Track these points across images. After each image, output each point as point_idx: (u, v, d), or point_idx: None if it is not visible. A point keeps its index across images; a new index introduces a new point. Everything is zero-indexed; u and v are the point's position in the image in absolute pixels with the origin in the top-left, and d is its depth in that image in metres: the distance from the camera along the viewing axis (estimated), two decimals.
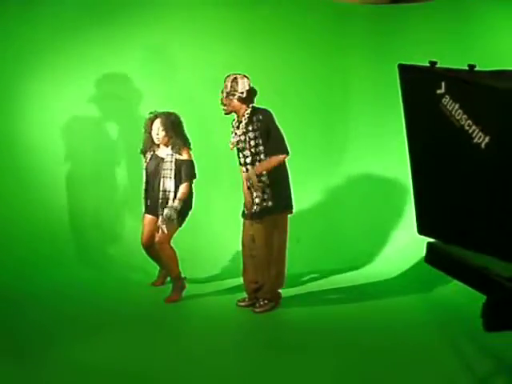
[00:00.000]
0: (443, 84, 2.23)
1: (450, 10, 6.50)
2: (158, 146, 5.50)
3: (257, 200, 4.96)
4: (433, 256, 2.36)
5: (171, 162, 5.37)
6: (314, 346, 4.31)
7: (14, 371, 3.74)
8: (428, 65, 2.37)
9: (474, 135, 2.10)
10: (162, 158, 5.43)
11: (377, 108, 7.03)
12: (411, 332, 4.58)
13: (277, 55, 6.89)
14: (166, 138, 5.42)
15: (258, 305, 5.14)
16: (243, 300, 5.30)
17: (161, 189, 5.35)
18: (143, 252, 5.69)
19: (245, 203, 5.11)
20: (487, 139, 2.04)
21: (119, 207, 6.70)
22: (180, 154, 5.38)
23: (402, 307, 5.26)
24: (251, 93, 4.95)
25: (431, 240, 2.42)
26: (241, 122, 4.97)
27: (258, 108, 4.99)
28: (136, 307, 5.19)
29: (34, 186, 6.33)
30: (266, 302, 5.14)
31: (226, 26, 6.84)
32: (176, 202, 5.30)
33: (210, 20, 6.78)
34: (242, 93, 4.89)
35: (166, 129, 5.39)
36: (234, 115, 5.08)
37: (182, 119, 5.49)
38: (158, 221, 5.37)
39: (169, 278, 5.76)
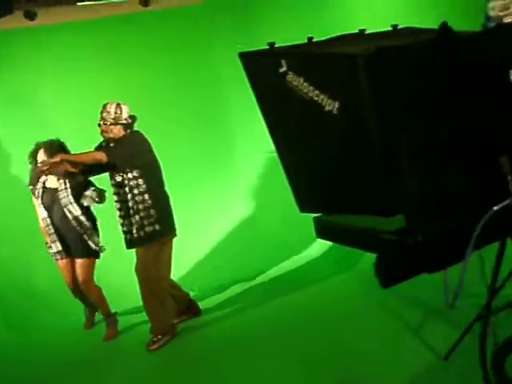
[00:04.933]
0: (283, 62, 2.23)
1: None
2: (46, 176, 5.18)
3: (144, 222, 4.76)
4: (322, 230, 2.37)
5: (66, 188, 5.13)
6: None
7: None
8: (267, 47, 2.37)
9: (323, 103, 2.11)
10: (56, 188, 5.17)
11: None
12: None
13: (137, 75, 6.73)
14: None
15: (150, 342, 4.85)
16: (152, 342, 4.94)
17: (71, 217, 5.11)
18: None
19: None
20: (337, 104, 2.06)
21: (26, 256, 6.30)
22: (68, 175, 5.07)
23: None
24: (133, 119, 4.86)
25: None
26: None
27: (133, 132, 4.87)
28: (80, 354, 5.08)
29: None
30: (159, 337, 4.87)
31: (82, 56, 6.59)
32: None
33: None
34: (126, 119, 4.79)
35: (50, 156, 4.99)
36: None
37: (66, 144, 5.23)
38: (75, 259, 5.19)
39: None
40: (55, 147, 5.15)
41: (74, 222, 5.13)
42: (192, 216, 6.36)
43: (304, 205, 2.32)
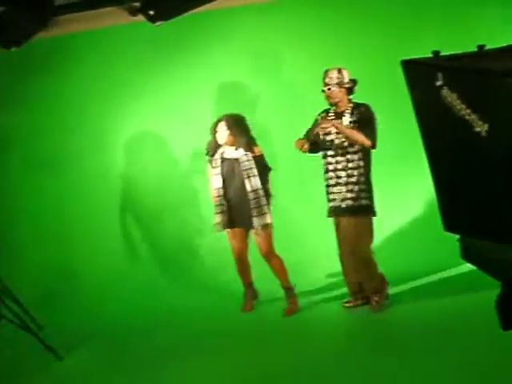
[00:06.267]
0: (439, 75, 2.13)
1: None
2: (221, 147, 5.43)
3: (353, 195, 4.97)
4: (466, 252, 2.24)
5: (249, 160, 5.30)
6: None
7: None
8: (431, 55, 2.27)
9: (474, 124, 1.99)
10: (237, 159, 5.35)
11: None
12: None
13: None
14: (232, 138, 5.34)
15: (373, 303, 5.05)
16: (349, 301, 5.26)
17: (249, 189, 5.25)
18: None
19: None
20: (486, 127, 1.93)
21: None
22: (253, 152, 5.34)
23: None
24: (354, 83, 5.05)
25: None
26: (342, 112, 5.02)
27: (358, 102, 5.05)
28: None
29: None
30: (378, 295, 5.06)
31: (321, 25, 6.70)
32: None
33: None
34: (348, 83, 4.99)
35: (230, 128, 5.33)
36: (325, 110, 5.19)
37: (247, 119, 5.46)
38: (254, 229, 5.33)
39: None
40: (236, 120, 5.39)
41: (251, 195, 5.28)
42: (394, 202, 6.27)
43: (449, 224, 2.20)
